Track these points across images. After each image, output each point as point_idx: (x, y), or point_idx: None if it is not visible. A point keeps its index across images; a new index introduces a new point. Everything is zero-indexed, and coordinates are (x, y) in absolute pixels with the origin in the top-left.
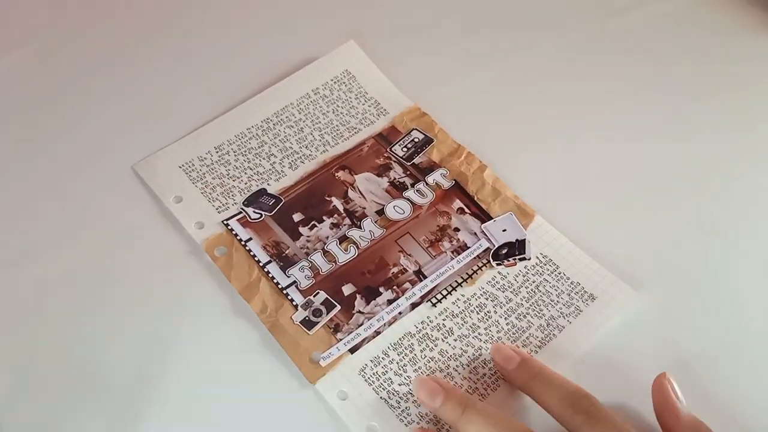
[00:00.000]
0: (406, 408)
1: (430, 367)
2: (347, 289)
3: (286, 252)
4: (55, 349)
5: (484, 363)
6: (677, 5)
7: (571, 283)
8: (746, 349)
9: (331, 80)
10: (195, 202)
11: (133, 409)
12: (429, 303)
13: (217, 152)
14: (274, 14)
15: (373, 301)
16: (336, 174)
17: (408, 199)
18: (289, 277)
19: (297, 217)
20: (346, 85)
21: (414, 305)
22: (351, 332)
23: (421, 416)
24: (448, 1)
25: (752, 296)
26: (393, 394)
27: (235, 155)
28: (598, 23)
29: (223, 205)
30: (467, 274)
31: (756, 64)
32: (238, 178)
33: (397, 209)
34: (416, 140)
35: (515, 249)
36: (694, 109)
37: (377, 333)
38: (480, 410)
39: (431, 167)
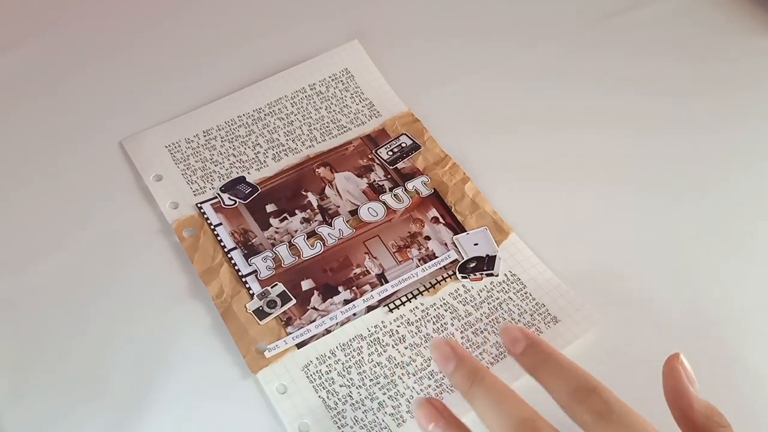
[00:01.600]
0: (342, 410)
1: (375, 372)
2: (306, 284)
3: (253, 241)
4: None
5: (431, 374)
6: (677, 5)
7: (536, 304)
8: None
9: (329, 77)
10: (174, 182)
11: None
12: (386, 308)
13: (204, 136)
14: (285, 5)
15: (329, 299)
16: (317, 170)
17: (383, 203)
18: (250, 265)
19: (270, 207)
20: (343, 84)
21: (370, 308)
22: (302, 327)
23: (356, 420)
24: (459, 9)
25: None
26: (332, 394)
27: (222, 141)
28: (597, 25)
29: (200, 188)
30: (430, 283)
31: (756, 64)
32: (220, 163)
33: (371, 211)
34: (403, 145)
35: (484, 264)
36: (694, 110)
37: (328, 331)
38: (488, 386)
39: (413, 174)
